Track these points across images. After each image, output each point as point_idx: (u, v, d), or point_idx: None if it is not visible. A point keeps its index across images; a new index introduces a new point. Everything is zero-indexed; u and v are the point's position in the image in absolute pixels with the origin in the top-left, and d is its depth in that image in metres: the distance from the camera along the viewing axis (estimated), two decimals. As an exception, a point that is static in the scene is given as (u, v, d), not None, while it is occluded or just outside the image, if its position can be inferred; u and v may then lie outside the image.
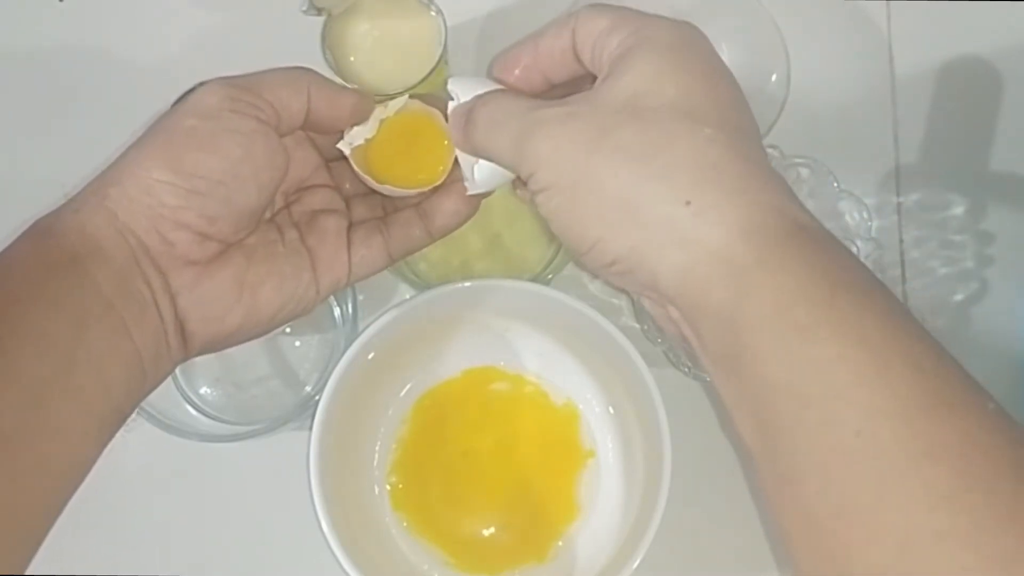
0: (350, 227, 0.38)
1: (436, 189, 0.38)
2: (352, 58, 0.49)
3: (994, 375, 0.52)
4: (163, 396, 0.50)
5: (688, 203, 0.29)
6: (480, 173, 0.36)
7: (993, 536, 0.25)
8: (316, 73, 0.37)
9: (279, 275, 0.36)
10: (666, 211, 0.29)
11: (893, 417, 0.26)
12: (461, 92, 0.36)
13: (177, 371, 0.52)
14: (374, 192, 0.39)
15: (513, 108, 0.33)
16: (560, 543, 0.48)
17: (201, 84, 0.35)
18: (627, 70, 0.31)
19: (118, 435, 0.50)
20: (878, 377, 0.27)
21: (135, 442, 0.50)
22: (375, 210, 0.39)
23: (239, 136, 0.34)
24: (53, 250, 0.31)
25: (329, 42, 0.49)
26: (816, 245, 0.29)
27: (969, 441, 0.26)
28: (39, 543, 0.30)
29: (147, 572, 0.50)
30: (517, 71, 0.36)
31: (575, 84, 0.35)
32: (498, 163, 0.35)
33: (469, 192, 0.38)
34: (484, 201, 0.51)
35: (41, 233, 0.32)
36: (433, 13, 0.49)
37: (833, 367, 0.27)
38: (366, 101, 0.38)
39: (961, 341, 0.54)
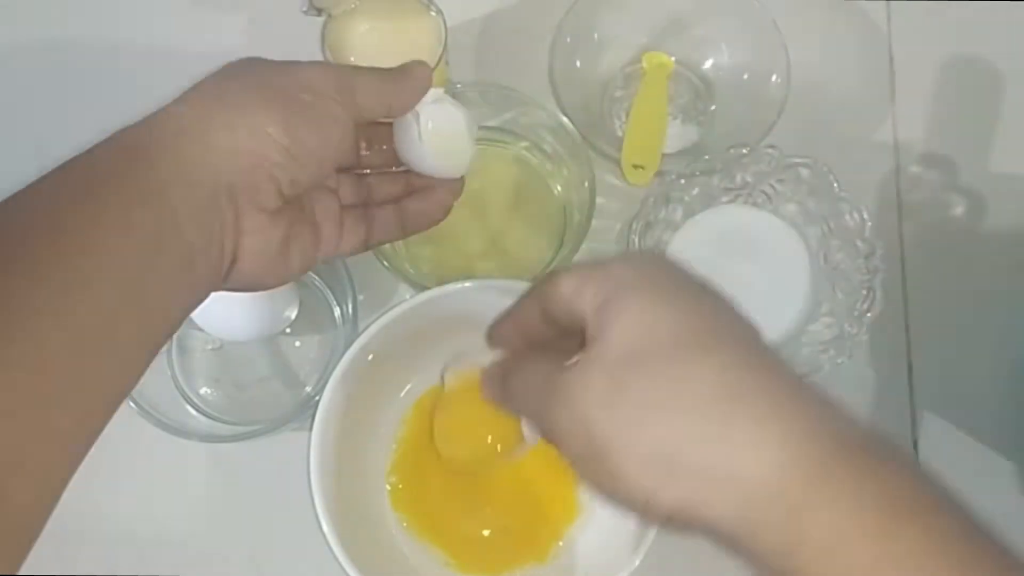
0: (342, 209, 0.42)
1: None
2: (352, 58, 0.49)
3: (994, 375, 0.52)
4: (163, 396, 0.50)
5: (722, 440, 0.27)
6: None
7: None
8: (393, 83, 0.40)
9: (305, 241, 0.39)
10: (702, 455, 0.28)
11: None
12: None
13: (177, 371, 0.52)
14: (360, 173, 0.43)
15: (533, 378, 0.32)
16: (561, 543, 0.48)
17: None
18: (612, 321, 0.30)
19: (119, 436, 0.50)
20: None
21: (135, 442, 0.50)
22: (360, 192, 0.43)
23: (338, 125, 0.37)
24: (142, 174, 0.32)
25: (329, 42, 0.49)
26: (868, 464, 0.27)
27: None
28: (76, 467, 0.31)
29: (147, 572, 0.50)
30: (504, 343, 0.36)
31: (561, 341, 0.34)
32: (532, 425, 0.34)
33: (449, 175, 0.42)
34: (484, 202, 0.51)
35: (133, 149, 0.33)
36: (433, 13, 0.49)
37: None
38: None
39: (961, 341, 0.54)
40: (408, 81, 0.40)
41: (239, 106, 0.35)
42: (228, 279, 0.36)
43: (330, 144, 0.37)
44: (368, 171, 0.44)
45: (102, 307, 0.30)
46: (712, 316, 0.30)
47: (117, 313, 0.30)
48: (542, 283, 0.33)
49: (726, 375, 0.28)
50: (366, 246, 0.42)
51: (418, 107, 0.41)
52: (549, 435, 0.31)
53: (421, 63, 0.41)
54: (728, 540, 0.28)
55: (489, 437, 0.42)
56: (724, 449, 0.27)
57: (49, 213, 0.30)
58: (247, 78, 0.36)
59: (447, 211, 0.44)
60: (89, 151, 0.33)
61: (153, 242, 0.32)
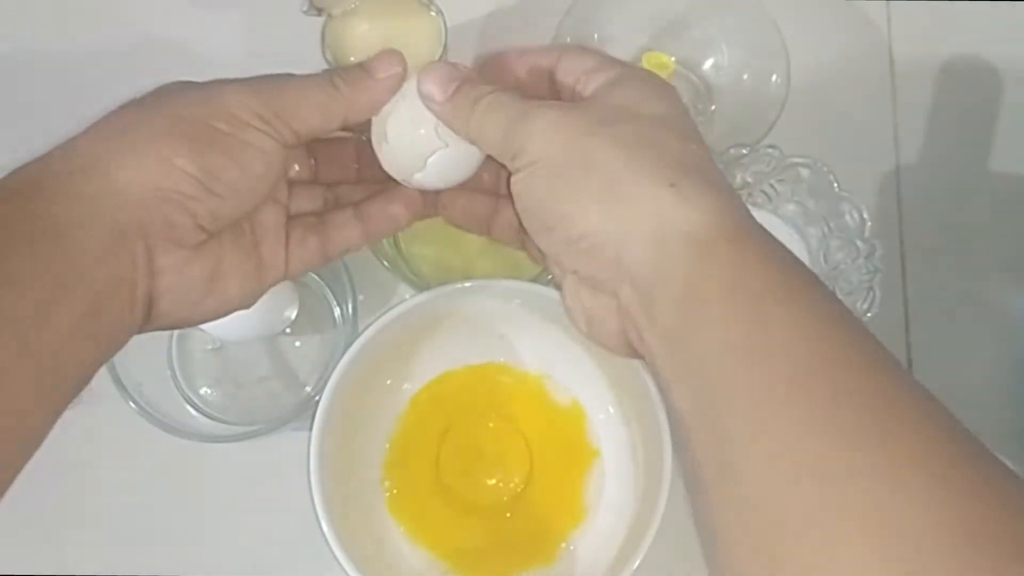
0: (289, 220, 0.39)
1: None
2: (352, 58, 0.49)
3: (994, 375, 0.52)
4: (163, 396, 0.50)
5: (672, 185, 0.32)
6: (437, 163, 0.37)
7: (891, 467, 0.27)
8: (348, 92, 0.37)
9: (243, 272, 0.36)
10: (650, 190, 0.32)
11: (824, 371, 0.29)
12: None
13: (177, 371, 0.52)
14: (315, 181, 0.40)
15: (514, 96, 0.36)
16: (564, 545, 0.48)
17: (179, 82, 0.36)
18: (621, 88, 0.35)
19: (119, 436, 0.50)
20: (818, 339, 0.29)
21: (135, 442, 0.50)
22: (315, 200, 0.40)
23: (262, 155, 0.35)
24: (38, 216, 0.30)
25: (329, 42, 0.49)
26: (772, 237, 0.33)
27: (885, 393, 0.29)
28: None
29: (147, 572, 0.50)
30: (498, 72, 0.39)
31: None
32: (485, 142, 0.36)
33: (416, 184, 0.38)
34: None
35: (26, 190, 0.31)
36: (433, 13, 0.49)
37: (777, 327, 0.30)
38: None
39: (961, 341, 0.54)
40: (365, 83, 0.36)
41: (142, 136, 0.33)
42: (149, 322, 0.34)
43: (252, 176, 0.35)
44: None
45: None
46: (693, 123, 0.35)
47: (5, 372, 0.29)
48: (565, 46, 0.39)
49: (695, 153, 0.34)
50: (325, 259, 0.39)
51: (391, 104, 0.37)
52: (508, 140, 0.34)
53: (389, 53, 0.37)
54: (631, 269, 0.32)
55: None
56: (670, 191, 0.32)
57: None
58: (156, 107, 0.34)
59: (414, 213, 0.40)
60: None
61: (50, 291, 0.30)
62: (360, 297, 0.50)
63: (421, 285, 0.49)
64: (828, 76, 0.57)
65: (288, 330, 0.52)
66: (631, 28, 0.57)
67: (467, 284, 0.45)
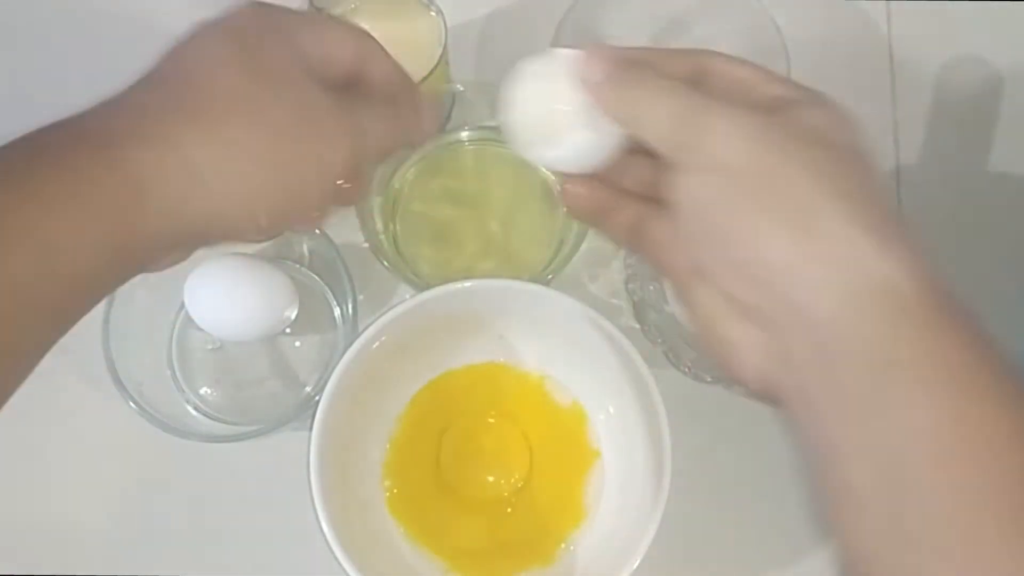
0: None
1: None
2: (352, 58, 0.49)
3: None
4: (163, 396, 0.50)
5: (873, 230, 0.28)
6: (573, 143, 0.34)
7: None
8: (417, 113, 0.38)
9: None
10: (849, 231, 0.28)
11: None
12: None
13: (177, 371, 0.52)
14: None
15: (688, 86, 0.32)
16: (564, 545, 0.48)
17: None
18: (806, 109, 0.31)
19: (119, 436, 0.50)
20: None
21: (135, 442, 0.50)
22: None
23: (336, 151, 0.34)
24: (139, 221, 0.31)
25: (329, 42, 0.48)
26: (960, 301, 0.30)
27: None
28: None
29: (147, 572, 0.50)
30: (636, 56, 0.34)
31: None
32: (647, 126, 0.32)
33: (542, 160, 0.36)
34: (484, 202, 0.50)
35: (137, 187, 0.31)
36: (433, 13, 0.49)
37: (985, 424, 0.27)
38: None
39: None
40: (422, 115, 0.38)
41: (249, 153, 0.33)
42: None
43: (324, 181, 0.34)
44: None
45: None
46: (875, 158, 0.32)
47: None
48: (711, 53, 0.34)
49: (885, 196, 0.30)
50: None
51: (530, 71, 0.35)
52: (680, 131, 0.31)
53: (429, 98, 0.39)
54: (809, 319, 0.29)
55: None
56: (870, 238, 0.28)
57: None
58: (264, 90, 0.33)
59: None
60: (87, 156, 0.31)
61: (108, 262, 0.31)
62: (360, 297, 0.50)
63: (421, 285, 0.49)
64: (828, 76, 0.57)
65: (288, 330, 0.52)
66: (631, 28, 0.57)
67: (467, 284, 0.45)
